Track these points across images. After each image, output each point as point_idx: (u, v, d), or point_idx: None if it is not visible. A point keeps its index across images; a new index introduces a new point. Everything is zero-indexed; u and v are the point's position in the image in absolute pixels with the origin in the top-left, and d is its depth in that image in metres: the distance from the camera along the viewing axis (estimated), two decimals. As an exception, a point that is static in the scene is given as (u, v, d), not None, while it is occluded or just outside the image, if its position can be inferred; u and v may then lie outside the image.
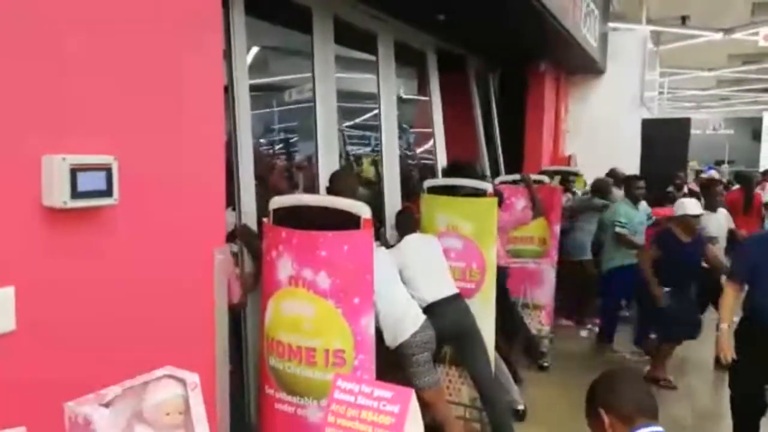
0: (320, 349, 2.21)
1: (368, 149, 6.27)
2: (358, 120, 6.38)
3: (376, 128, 4.68)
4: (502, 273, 4.14)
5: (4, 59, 1.44)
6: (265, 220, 2.50)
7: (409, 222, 3.65)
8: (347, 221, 2.30)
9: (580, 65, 7.98)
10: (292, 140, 6.52)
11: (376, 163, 5.56)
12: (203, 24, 2.01)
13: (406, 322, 3.07)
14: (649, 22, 9.10)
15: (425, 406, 3.04)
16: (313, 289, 2.23)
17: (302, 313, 2.25)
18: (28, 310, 1.50)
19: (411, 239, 3.46)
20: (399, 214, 3.84)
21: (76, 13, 1.60)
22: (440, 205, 3.84)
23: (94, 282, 1.67)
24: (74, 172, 1.54)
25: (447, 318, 3.24)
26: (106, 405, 1.36)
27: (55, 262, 1.57)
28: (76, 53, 1.60)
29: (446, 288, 3.38)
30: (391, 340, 3.06)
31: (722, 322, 3.35)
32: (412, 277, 3.30)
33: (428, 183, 4.15)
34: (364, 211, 2.28)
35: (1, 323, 1.45)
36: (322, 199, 2.85)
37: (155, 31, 1.83)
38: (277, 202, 2.48)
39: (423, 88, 6.23)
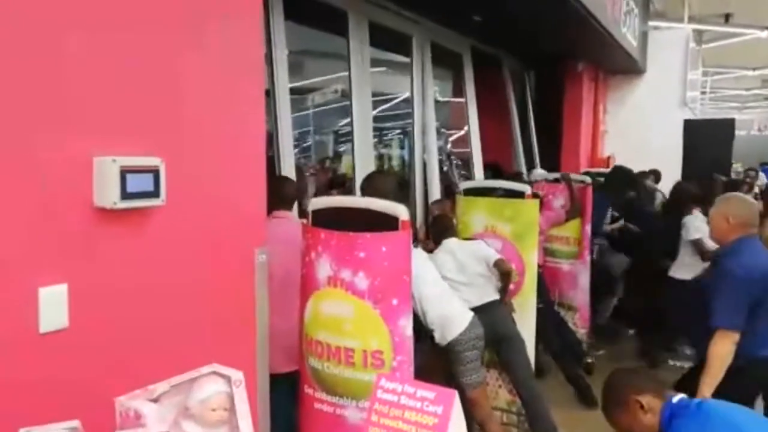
0: (358, 349, 2.21)
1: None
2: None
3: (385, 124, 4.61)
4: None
5: (56, 63, 1.50)
6: (303, 221, 2.53)
7: (444, 226, 3.61)
8: (385, 222, 2.30)
9: (620, 65, 7.84)
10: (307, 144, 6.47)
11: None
12: (244, 29, 2.05)
13: (454, 319, 3.10)
14: (691, 20, 8.88)
15: (469, 405, 3.05)
16: (351, 289, 2.23)
17: (341, 313, 2.25)
18: (80, 308, 1.55)
19: (450, 243, 3.46)
20: (435, 219, 3.83)
21: (122, 18, 1.65)
22: (478, 206, 3.82)
23: (142, 280, 1.71)
24: (124, 173, 1.58)
25: (486, 324, 3.22)
26: (155, 400, 1.40)
27: (105, 261, 1.62)
28: (125, 58, 1.65)
29: (486, 294, 3.36)
30: (440, 338, 3.11)
31: None
32: (450, 282, 3.30)
33: (464, 185, 4.14)
34: (401, 212, 2.28)
35: (55, 320, 1.50)
36: (359, 200, 2.86)
37: (198, 35, 1.87)
38: (316, 203, 2.49)
39: (457, 88, 6.21)
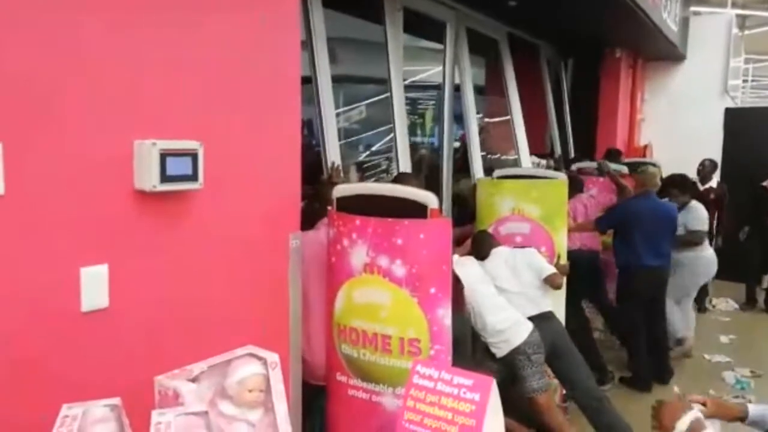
0: (395, 337, 2.19)
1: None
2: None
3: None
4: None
5: (97, 48, 1.51)
6: (329, 208, 2.48)
7: (486, 241, 3.48)
8: (411, 211, 2.24)
9: (659, 52, 7.60)
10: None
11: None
12: (282, 16, 2.04)
13: (518, 325, 3.07)
14: (734, 5, 8.57)
15: (541, 411, 3.04)
16: (389, 276, 2.20)
17: (378, 300, 2.23)
18: (119, 288, 1.57)
19: (502, 251, 3.39)
20: (475, 237, 3.60)
21: (163, 4, 1.65)
22: (504, 189, 3.73)
23: (179, 263, 1.73)
24: (163, 156, 1.59)
25: (542, 335, 3.13)
26: (193, 380, 1.41)
27: (144, 243, 1.63)
28: (165, 43, 1.66)
29: (541, 304, 3.29)
30: (499, 352, 3.07)
31: None
32: (505, 292, 3.23)
33: (498, 173, 4.07)
34: (431, 200, 2.23)
35: (95, 299, 1.52)
36: (387, 187, 2.80)
37: (235, 21, 1.86)
38: (341, 190, 2.44)
39: (491, 76, 6.11)
